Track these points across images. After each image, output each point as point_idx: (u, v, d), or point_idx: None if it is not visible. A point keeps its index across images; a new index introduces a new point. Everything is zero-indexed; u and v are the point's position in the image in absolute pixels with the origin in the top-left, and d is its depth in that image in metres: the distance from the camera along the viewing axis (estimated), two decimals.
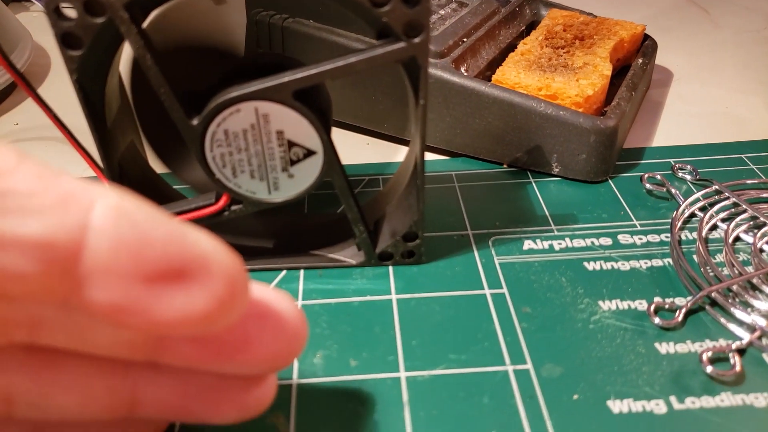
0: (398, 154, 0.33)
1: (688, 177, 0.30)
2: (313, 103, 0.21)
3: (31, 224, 0.10)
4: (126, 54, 0.21)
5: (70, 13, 0.18)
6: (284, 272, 0.25)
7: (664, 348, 0.21)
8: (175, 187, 0.26)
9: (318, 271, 0.25)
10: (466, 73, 0.31)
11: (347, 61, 0.20)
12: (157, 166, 0.25)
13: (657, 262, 0.25)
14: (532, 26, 0.39)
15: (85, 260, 0.11)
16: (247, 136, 0.21)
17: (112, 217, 0.11)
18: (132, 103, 0.23)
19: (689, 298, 0.23)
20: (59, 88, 0.44)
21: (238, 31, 0.26)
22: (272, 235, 0.27)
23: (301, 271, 0.25)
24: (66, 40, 0.19)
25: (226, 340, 0.14)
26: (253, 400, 0.15)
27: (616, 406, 0.19)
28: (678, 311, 0.22)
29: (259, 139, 0.21)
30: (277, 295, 0.15)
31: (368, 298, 0.23)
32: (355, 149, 0.34)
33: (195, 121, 0.21)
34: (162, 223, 0.11)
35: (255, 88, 0.20)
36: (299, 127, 0.21)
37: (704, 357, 0.20)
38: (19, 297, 0.11)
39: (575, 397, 0.20)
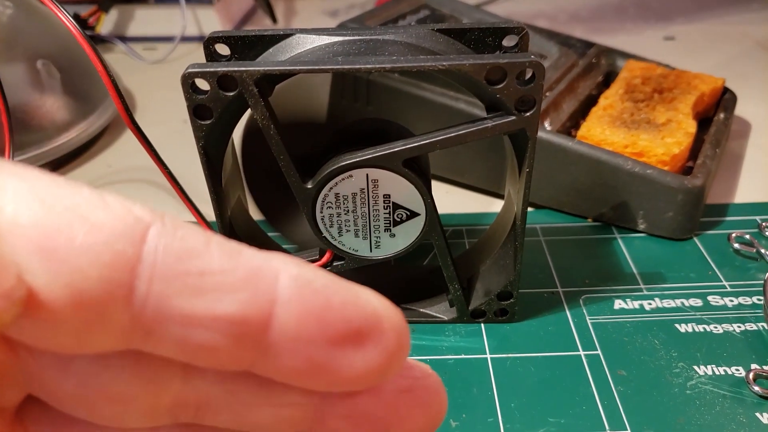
0: (479, 204, 0.34)
1: None
2: (417, 167, 0.22)
3: (226, 302, 0.11)
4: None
5: (203, 86, 0.20)
6: None
7: (766, 418, 0.21)
8: (270, 234, 0.27)
9: (410, 327, 0.25)
10: (549, 128, 0.32)
11: (458, 133, 0.20)
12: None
13: (751, 326, 0.25)
14: (608, 76, 0.40)
15: (274, 330, 0.11)
16: (355, 199, 0.22)
17: (296, 288, 0.11)
18: (241, 166, 0.24)
19: None
20: (146, 130, 0.46)
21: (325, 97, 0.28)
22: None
23: None
24: (197, 111, 0.20)
25: (380, 416, 0.14)
26: None
27: None
28: None
29: (366, 202, 0.22)
30: (423, 368, 0.15)
31: (463, 356, 0.24)
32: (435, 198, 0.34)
33: (309, 185, 0.22)
34: (339, 287, 0.12)
35: (369, 155, 0.21)
36: (405, 191, 0.22)
37: None
38: (207, 368, 0.12)
39: None
